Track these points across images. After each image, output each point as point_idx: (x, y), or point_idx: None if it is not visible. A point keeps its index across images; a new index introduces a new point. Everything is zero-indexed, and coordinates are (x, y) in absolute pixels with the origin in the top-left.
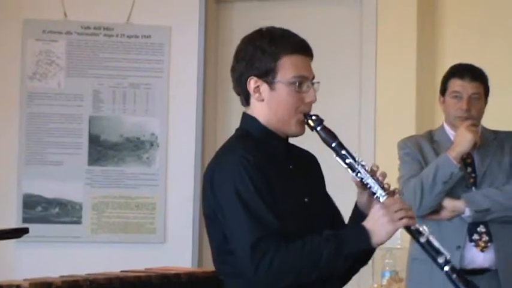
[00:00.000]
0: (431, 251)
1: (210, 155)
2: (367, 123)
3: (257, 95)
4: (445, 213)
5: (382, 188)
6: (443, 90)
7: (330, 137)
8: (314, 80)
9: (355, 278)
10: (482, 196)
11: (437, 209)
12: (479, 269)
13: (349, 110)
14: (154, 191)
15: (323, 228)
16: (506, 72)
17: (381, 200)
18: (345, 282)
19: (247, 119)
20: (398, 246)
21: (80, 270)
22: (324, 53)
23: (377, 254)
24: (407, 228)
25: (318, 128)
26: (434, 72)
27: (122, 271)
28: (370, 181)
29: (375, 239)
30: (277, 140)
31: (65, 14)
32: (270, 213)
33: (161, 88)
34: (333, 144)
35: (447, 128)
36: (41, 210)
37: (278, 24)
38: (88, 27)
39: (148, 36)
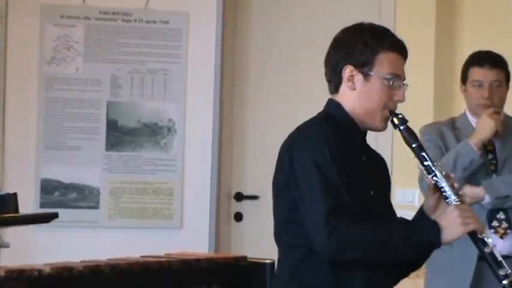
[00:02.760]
0: (493, 263)
1: (227, 141)
2: None
3: (350, 83)
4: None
5: (456, 194)
6: (464, 79)
7: (412, 138)
8: (404, 82)
9: None
10: (502, 183)
11: None
12: None
13: None
14: (172, 177)
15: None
16: None
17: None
18: (398, 281)
19: (332, 104)
20: None
21: (97, 255)
22: None
23: None
24: (474, 237)
25: (402, 127)
26: (453, 60)
27: (142, 256)
28: (444, 185)
29: (445, 236)
30: (357, 130)
31: None
32: (345, 188)
33: (179, 74)
34: (414, 145)
35: (469, 115)
36: (58, 195)
37: (295, 14)
38: (106, 13)
39: (167, 22)
